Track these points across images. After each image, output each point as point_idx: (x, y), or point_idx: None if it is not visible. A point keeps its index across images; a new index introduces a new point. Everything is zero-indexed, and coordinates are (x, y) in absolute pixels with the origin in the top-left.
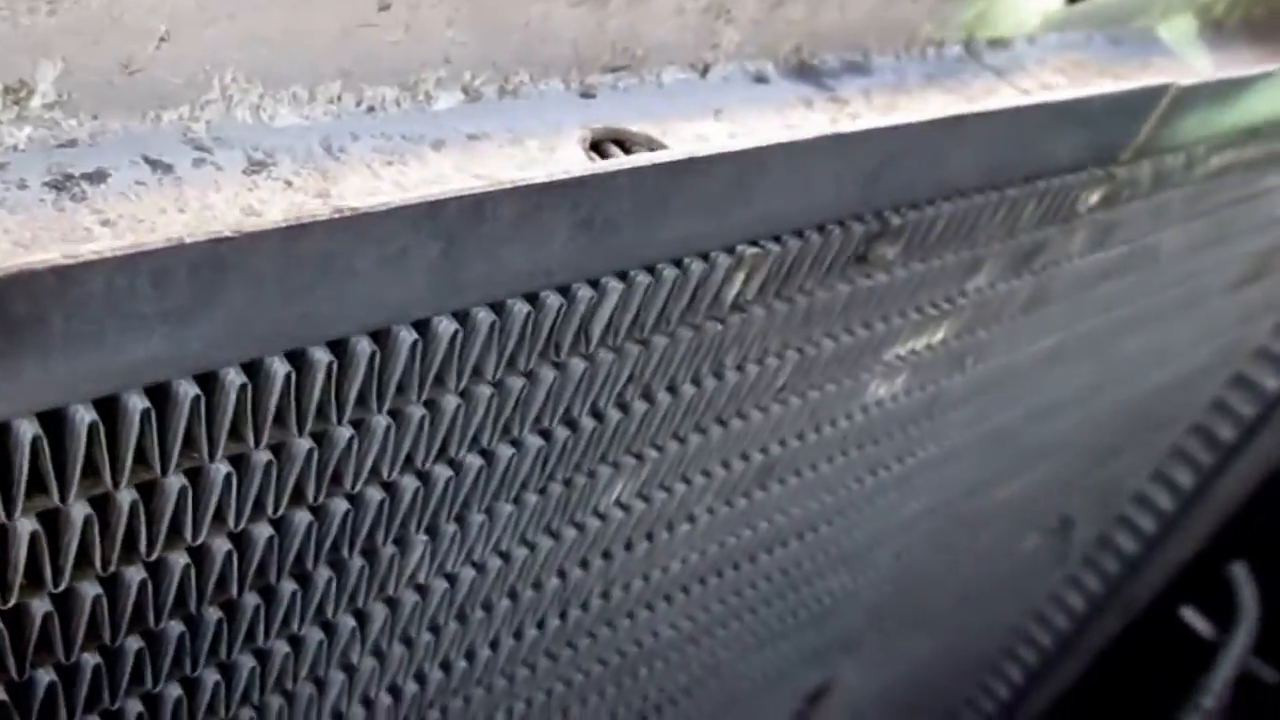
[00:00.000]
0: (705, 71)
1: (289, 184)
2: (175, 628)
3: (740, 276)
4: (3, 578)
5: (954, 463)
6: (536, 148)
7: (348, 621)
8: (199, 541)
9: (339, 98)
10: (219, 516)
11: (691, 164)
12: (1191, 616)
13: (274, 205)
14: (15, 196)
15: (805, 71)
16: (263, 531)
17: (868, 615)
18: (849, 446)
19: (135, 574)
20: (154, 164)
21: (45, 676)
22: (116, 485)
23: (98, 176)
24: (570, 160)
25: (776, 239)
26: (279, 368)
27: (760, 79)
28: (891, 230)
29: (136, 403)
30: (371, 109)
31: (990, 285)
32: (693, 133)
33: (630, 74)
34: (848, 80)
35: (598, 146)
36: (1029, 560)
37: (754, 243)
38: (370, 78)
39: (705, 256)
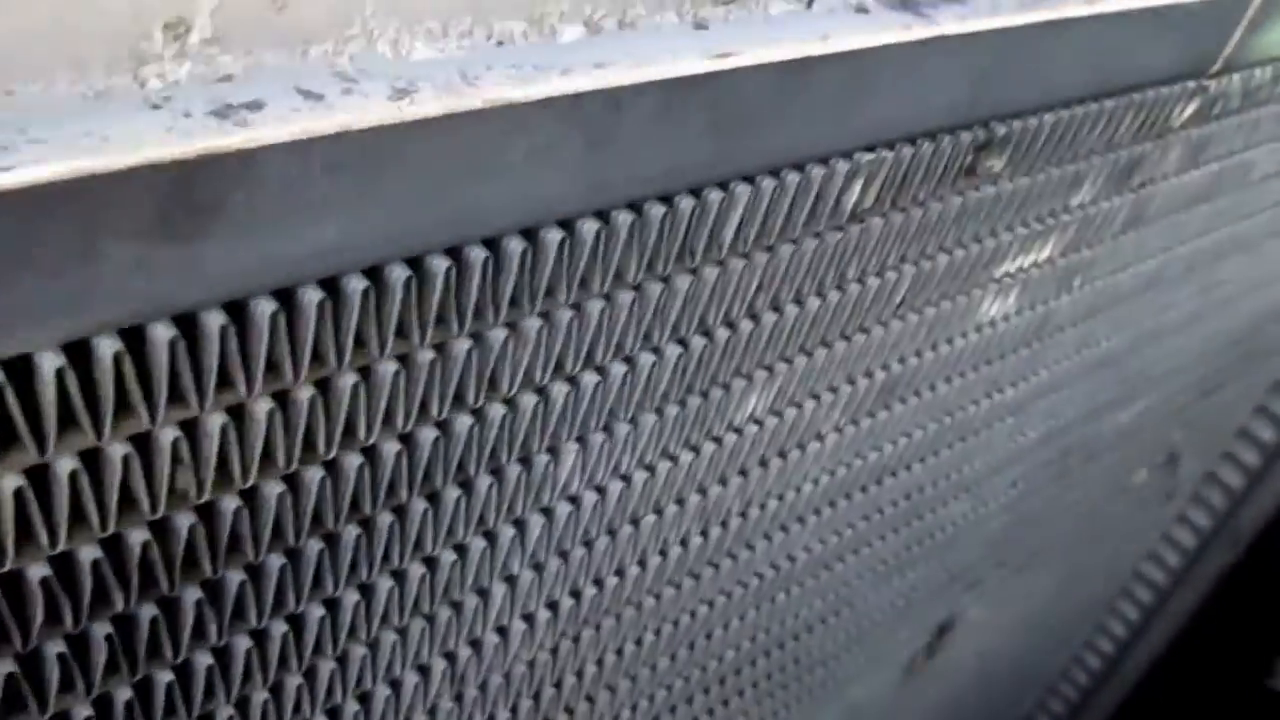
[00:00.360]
0: (810, 4)
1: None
2: (352, 531)
3: (858, 184)
4: (197, 474)
5: (1065, 390)
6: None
7: (508, 531)
8: (371, 441)
9: (470, 32)
10: (388, 418)
11: (807, 63)
12: None
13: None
14: (183, 124)
15: (905, 2)
16: (428, 435)
17: (988, 548)
18: (965, 367)
19: (315, 474)
20: (305, 94)
21: (236, 577)
22: (296, 378)
23: (255, 105)
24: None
25: (890, 146)
26: (440, 263)
27: (861, 10)
28: (998, 140)
29: (312, 296)
30: (500, 43)
31: (1092, 202)
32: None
33: (739, 7)
34: (944, 9)
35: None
36: (1138, 496)
37: (870, 149)
38: (499, 13)
39: (824, 162)
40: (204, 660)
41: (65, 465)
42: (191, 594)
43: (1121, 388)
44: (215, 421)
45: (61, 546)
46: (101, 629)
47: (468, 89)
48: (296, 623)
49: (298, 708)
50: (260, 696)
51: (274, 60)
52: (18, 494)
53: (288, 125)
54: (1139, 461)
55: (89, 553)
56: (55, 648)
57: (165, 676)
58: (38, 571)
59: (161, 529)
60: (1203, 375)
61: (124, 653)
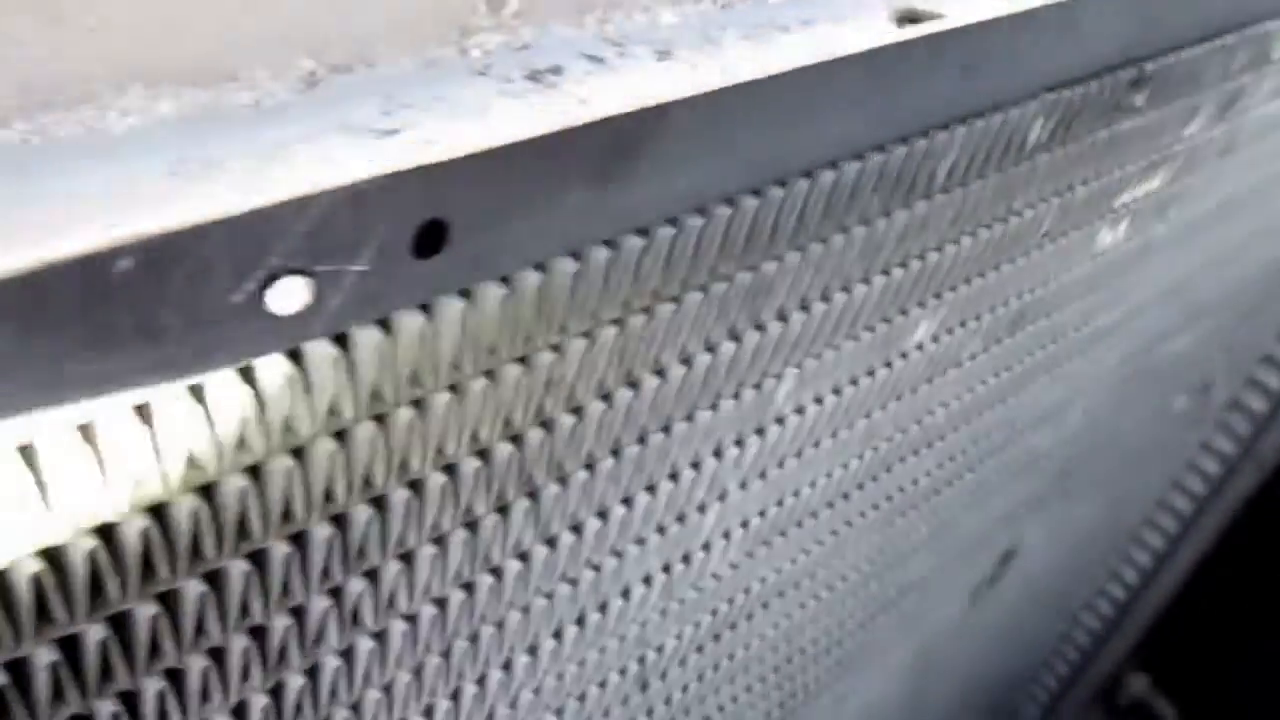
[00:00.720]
0: None
1: (693, 66)
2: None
3: (1039, 123)
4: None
5: (1138, 319)
6: (853, 25)
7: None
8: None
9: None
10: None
11: (1002, 21)
12: None
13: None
14: (509, 88)
15: None
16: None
17: (1056, 477)
18: (1081, 293)
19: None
20: (590, 58)
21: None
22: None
23: (556, 70)
24: (882, 30)
25: (1067, 86)
26: (776, 191)
27: None
28: (1146, 77)
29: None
30: (725, 6)
31: (1200, 131)
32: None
33: None
34: None
35: (902, 21)
36: (1176, 422)
37: (1050, 89)
38: None
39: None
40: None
41: None
42: None
43: (1181, 315)
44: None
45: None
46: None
47: (712, 48)
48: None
49: None
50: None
51: (558, 30)
52: None
53: (590, 87)
54: (1182, 389)
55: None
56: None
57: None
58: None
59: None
60: (1244, 303)
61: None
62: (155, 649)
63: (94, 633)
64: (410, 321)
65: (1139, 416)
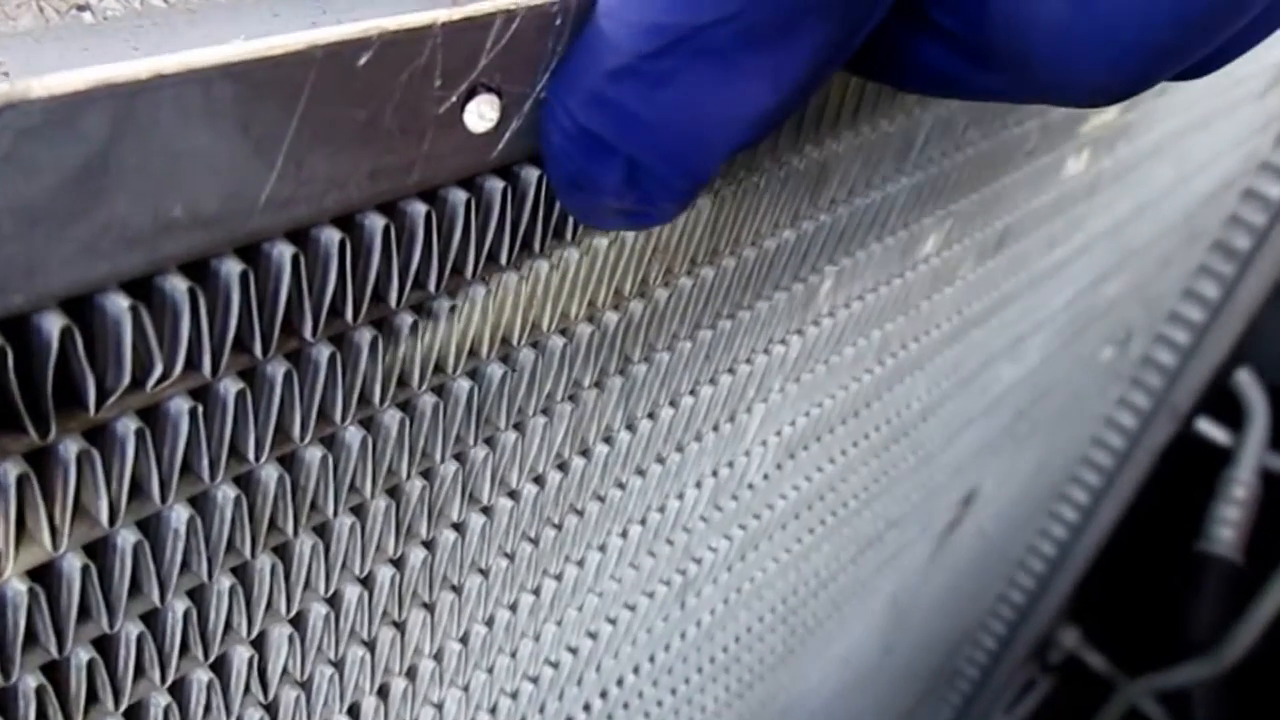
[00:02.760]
0: None
1: None
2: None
3: None
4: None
5: (1089, 251)
6: None
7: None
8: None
9: None
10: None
11: None
12: (1207, 426)
13: None
14: None
15: None
16: None
17: (1013, 416)
18: (1048, 218)
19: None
20: None
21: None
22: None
23: None
24: None
25: None
26: None
27: None
28: None
29: None
30: None
31: None
32: None
33: None
34: None
35: None
36: (1101, 374)
37: None
38: None
39: None
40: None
41: None
42: None
43: (1116, 257)
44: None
45: None
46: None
47: None
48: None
49: None
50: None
51: None
52: None
53: None
54: (1109, 339)
55: None
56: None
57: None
58: None
59: None
60: (1163, 251)
61: None
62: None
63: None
64: None
65: (1076, 362)
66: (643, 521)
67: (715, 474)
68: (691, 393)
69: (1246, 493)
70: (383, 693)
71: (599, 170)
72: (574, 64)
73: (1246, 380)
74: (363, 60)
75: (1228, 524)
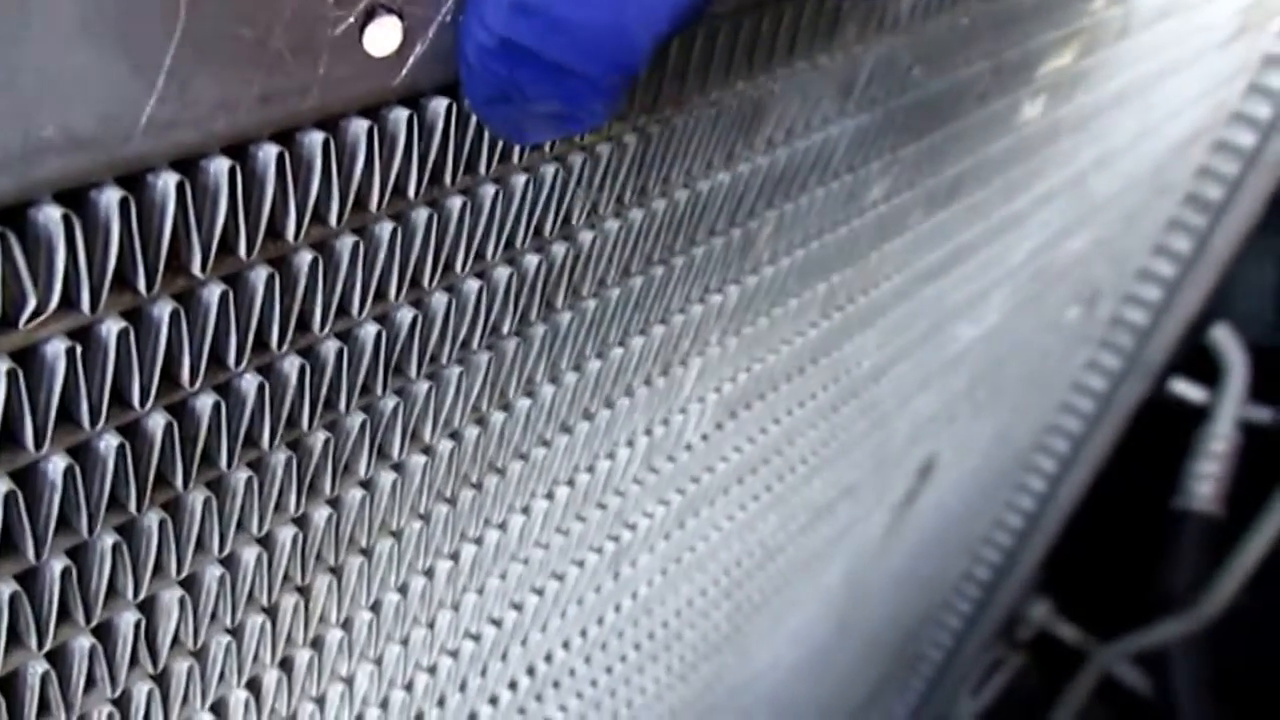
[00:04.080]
0: None
1: None
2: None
3: None
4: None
5: (1049, 203)
6: None
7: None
8: None
9: None
10: None
11: None
12: (1181, 386)
13: None
14: None
15: None
16: None
17: (970, 380)
18: (1004, 167)
19: None
20: None
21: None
22: None
23: None
24: None
25: None
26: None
27: None
28: None
29: None
30: None
31: (1105, 8)
32: None
33: None
34: None
35: None
36: (1067, 335)
37: None
38: None
39: None
40: None
41: None
42: None
43: (1079, 211)
44: None
45: None
46: None
47: None
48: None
49: None
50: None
51: None
52: None
53: None
54: (1074, 298)
55: None
56: None
57: None
58: None
59: None
60: (1129, 205)
61: None
62: None
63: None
64: None
65: (1040, 323)
66: (570, 483)
67: (649, 433)
68: (621, 344)
69: (1225, 446)
70: (285, 665)
71: (524, 78)
72: None
73: (1223, 335)
74: None
75: (1205, 478)
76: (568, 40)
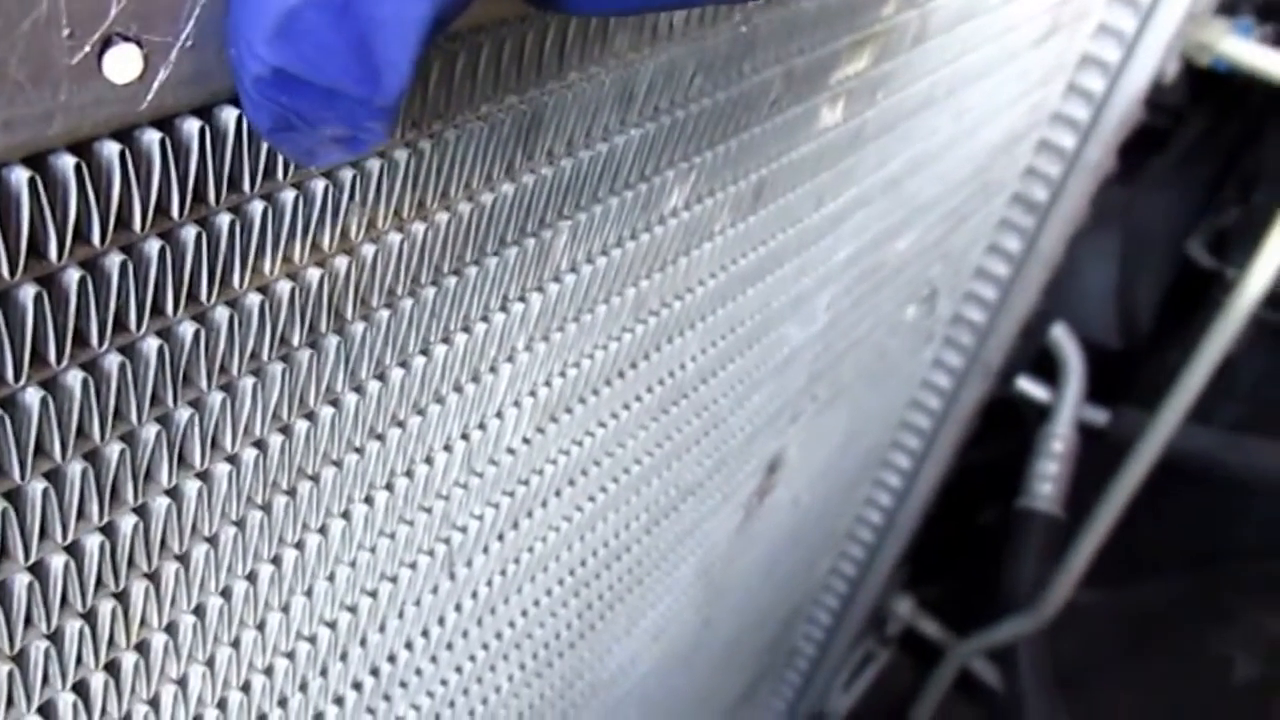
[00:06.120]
0: None
1: None
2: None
3: None
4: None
5: (862, 211)
6: None
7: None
8: None
9: None
10: None
11: None
12: (1027, 384)
13: None
14: None
15: None
16: None
17: (809, 378)
18: (811, 172)
19: None
20: None
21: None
22: None
23: None
24: None
25: None
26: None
27: None
28: None
29: None
30: None
31: (896, 13)
32: None
33: None
34: None
35: None
36: (909, 334)
37: None
38: None
39: None
40: None
41: None
42: None
43: (900, 212)
44: None
45: None
46: None
47: None
48: None
49: None
50: None
51: None
52: None
53: None
54: (909, 297)
55: None
56: None
57: None
58: None
59: None
60: (953, 206)
61: None
62: None
63: None
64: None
65: (875, 321)
66: (389, 488)
67: (466, 437)
68: (424, 352)
69: (1064, 446)
70: (111, 669)
71: (301, 105)
72: (250, 7)
73: (1060, 334)
74: None
75: (1047, 479)
76: (333, 62)
